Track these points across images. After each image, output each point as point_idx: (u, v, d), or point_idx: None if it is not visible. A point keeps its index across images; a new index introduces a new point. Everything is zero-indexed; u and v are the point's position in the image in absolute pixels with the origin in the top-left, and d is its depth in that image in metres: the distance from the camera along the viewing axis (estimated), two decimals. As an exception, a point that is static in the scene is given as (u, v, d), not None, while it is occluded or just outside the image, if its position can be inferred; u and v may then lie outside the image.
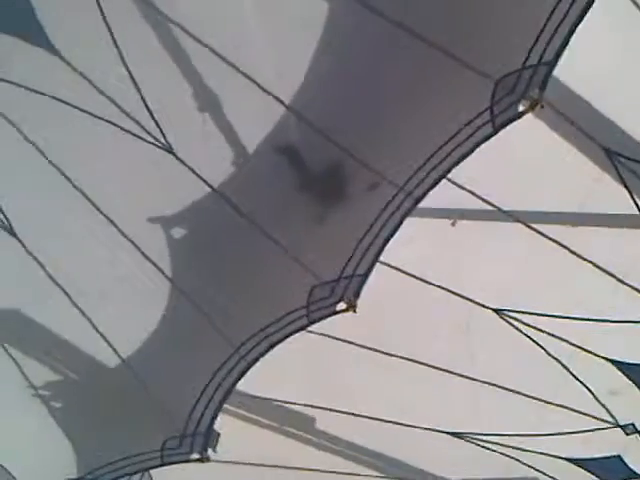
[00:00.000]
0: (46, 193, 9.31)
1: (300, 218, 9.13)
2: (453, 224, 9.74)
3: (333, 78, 8.39)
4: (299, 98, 8.40)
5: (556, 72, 8.03)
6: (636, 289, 9.64)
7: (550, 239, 9.49)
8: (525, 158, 9.18)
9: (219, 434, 10.55)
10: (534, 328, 10.11)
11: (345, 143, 8.52)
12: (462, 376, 10.57)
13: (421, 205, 9.07)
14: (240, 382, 10.13)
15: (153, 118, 8.50)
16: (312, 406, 11.42)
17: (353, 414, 11.27)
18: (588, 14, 7.68)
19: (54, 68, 8.60)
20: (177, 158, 8.81)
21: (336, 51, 8.22)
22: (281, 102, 8.34)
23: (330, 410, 11.32)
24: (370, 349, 10.48)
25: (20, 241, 9.74)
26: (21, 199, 9.52)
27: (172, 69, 8.39)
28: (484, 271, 9.85)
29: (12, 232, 9.79)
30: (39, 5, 8.46)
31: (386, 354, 10.50)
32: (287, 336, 9.70)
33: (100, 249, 9.52)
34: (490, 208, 9.45)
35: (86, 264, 9.74)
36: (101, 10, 7.98)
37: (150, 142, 8.74)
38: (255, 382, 10.55)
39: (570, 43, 7.80)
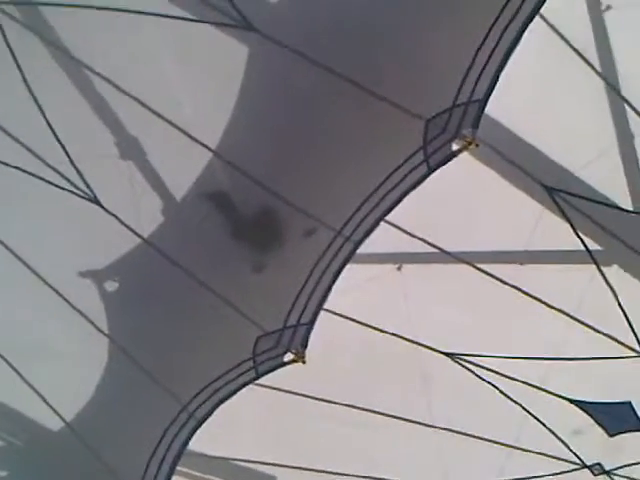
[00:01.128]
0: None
1: (237, 266, 9.01)
2: (399, 269, 9.63)
3: (260, 124, 8.33)
4: (225, 144, 8.34)
5: (489, 110, 8.04)
6: (587, 325, 9.51)
7: (498, 279, 9.39)
8: (467, 199, 9.13)
9: (177, 498, 10.25)
10: (490, 370, 9.94)
11: (277, 188, 8.44)
12: (420, 423, 10.35)
13: (365, 251, 9.06)
14: (193, 442, 9.91)
15: (76, 168, 8.39)
16: (274, 464, 11.13)
17: (315, 470, 11.00)
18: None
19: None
20: (103, 208, 8.69)
21: (262, 97, 8.16)
22: (205, 147, 8.26)
23: (293, 467, 11.03)
24: (325, 401, 10.26)
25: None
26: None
27: (91, 118, 8.32)
28: (434, 315, 9.73)
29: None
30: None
31: (341, 405, 10.28)
32: (236, 390, 9.50)
33: (30, 308, 9.32)
34: (435, 250, 9.38)
35: (16, 325, 9.51)
36: (17, 62, 7.90)
37: (75, 193, 8.61)
38: (208, 441, 10.40)
39: (501, 79, 7.82)
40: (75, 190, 8.62)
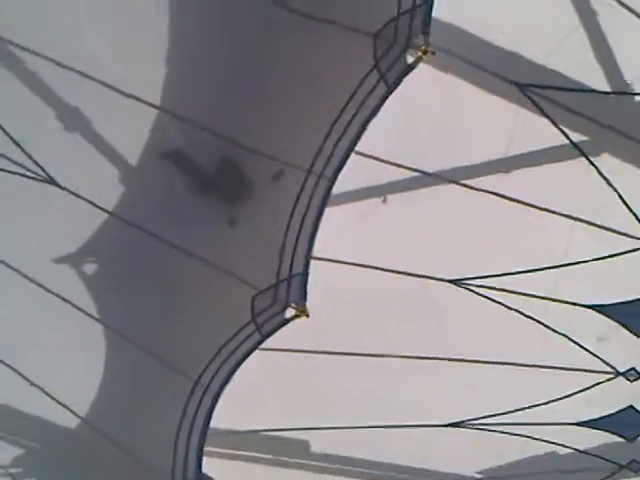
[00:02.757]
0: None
1: (211, 225, 8.80)
2: (384, 201, 9.32)
3: (201, 69, 8.09)
4: (169, 97, 8.12)
5: (439, 14, 7.70)
6: (589, 222, 9.10)
7: (488, 192, 9.04)
8: (437, 115, 8.79)
9: (212, 479, 10.07)
10: (500, 290, 9.59)
11: (234, 136, 8.21)
12: (439, 359, 10.03)
13: (344, 189, 8.78)
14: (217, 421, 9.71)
15: (22, 149, 8.21)
16: (300, 429, 10.90)
17: (344, 428, 10.74)
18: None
19: None
20: (60, 187, 8.51)
21: (197, 38, 7.90)
22: (149, 104, 8.04)
23: (320, 429, 10.79)
24: (337, 354, 9.99)
25: None
26: None
27: (24, 94, 8.14)
28: (430, 243, 9.39)
29: None
30: None
31: (356, 355, 10.02)
32: (245, 356, 9.25)
33: (11, 304, 9.20)
34: (417, 175, 9.05)
35: (6, 323, 9.40)
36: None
37: (29, 176, 8.45)
38: (232, 417, 10.21)
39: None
40: (28, 173, 8.47)
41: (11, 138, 8.18)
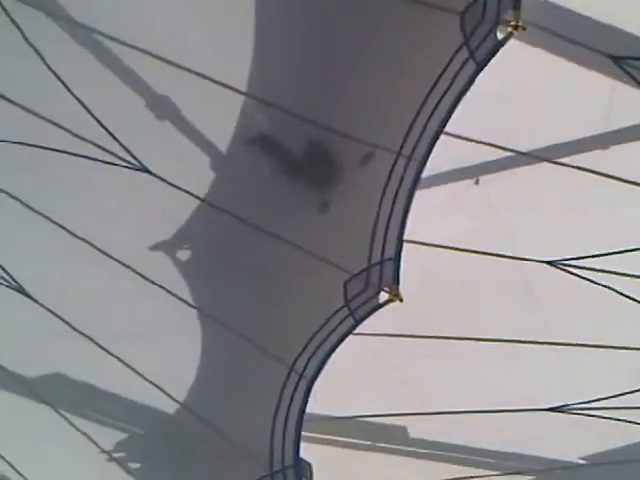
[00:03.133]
0: (48, 247, 9.33)
1: (302, 211, 8.83)
2: (476, 182, 9.17)
3: (286, 54, 8.10)
4: (256, 83, 8.15)
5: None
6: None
7: (585, 170, 8.77)
8: (529, 91, 8.57)
9: (310, 464, 10.13)
10: (600, 271, 9.31)
11: (321, 119, 8.21)
12: (537, 343, 9.83)
13: (436, 171, 8.68)
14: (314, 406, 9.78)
15: (116, 140, 8.41)
16: (397, 414, 10.85)
17: (441, 413, 10.65)
18: None
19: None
20: (154, 175, 8.68)
21: (282, 23, 7.91)
22: (237, 91, 8.09)
23: (416, 414, 10.72)
24: (431, 337, 9.90)
25: (33, 299, 9.80)
26: (23, 257, 9.59)
27: (114, 85, 8.31)
28: (524, 224, 9.18)
29: (23, 291, 9.86)
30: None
31: (450, 339, 9.91)
32: (339, 341, 9.27)
33: (110, 292, 9.43)
34: (510, 154, 8.86)
35: (106, 311, 9.65)
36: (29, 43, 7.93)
37: (123, 165, 8.64)
38: (328, 403, 10.25)
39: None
40: (122, 162, 8.67)
41: (105, 129, 8.41)
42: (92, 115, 8.27)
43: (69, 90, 8.14)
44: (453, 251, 9.32)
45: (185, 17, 7.94)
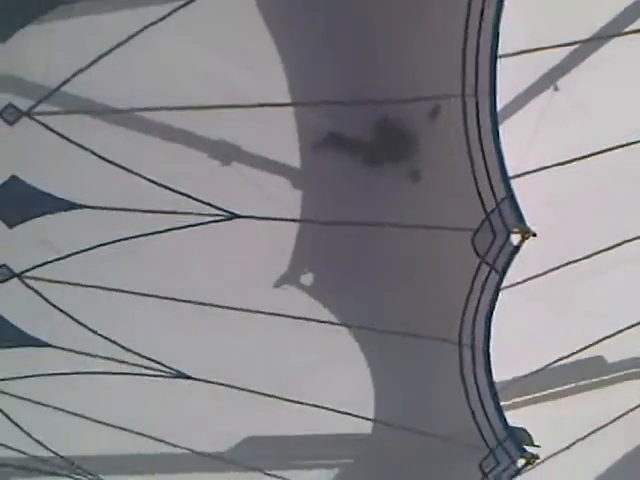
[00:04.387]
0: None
1: (395, 190, 8.76)
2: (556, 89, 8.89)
3: (322, 54, 8.22)
4: (302, 90, 8.26)
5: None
6: None
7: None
8: None
9: (524, 428, 9.97)
10: None
11: (375, 96, 8.17)
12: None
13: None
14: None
15: (199, 200, 8.79)
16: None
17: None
18: None
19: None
20: (245, 217, 8.97)
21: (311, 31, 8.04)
22: (286, 104, 8.22)
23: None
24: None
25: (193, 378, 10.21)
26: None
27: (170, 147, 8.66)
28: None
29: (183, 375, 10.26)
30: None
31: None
32: (493, 300, 9.10)
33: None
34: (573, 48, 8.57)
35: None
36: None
37: (212, 220, 8.94)
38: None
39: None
40: (211, 217, 9.00)
41: (181, 193, 8.84)
42: (166, 187, 8.73)
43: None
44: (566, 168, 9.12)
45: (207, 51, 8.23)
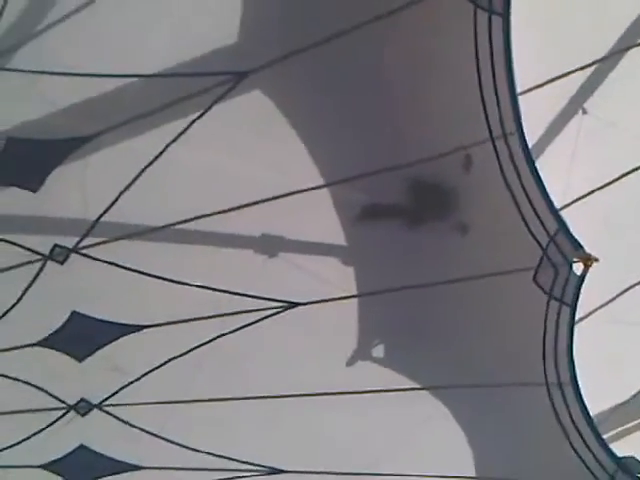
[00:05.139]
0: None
1: (446, 246, 8.82)
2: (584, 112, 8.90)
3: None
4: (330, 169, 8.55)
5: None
6: None
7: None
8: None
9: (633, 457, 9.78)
10: None
11: (403, 160, 8.30)
12: None
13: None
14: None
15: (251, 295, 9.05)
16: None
17: None
18: None
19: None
20: (304, 304, 9.22)
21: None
22: (314, 187, 8.54)
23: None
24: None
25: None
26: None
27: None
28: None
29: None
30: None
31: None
32: (570, 334, 9.04)
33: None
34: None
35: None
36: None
37: (276, 307, 9.21)
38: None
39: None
40: (272, 304, 9.26)
41: (237, 294, 9.06)
42: (222, 290, 8.99)
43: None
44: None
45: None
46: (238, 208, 8.45)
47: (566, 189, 9.03)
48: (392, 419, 9.95)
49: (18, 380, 9.38)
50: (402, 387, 9.79)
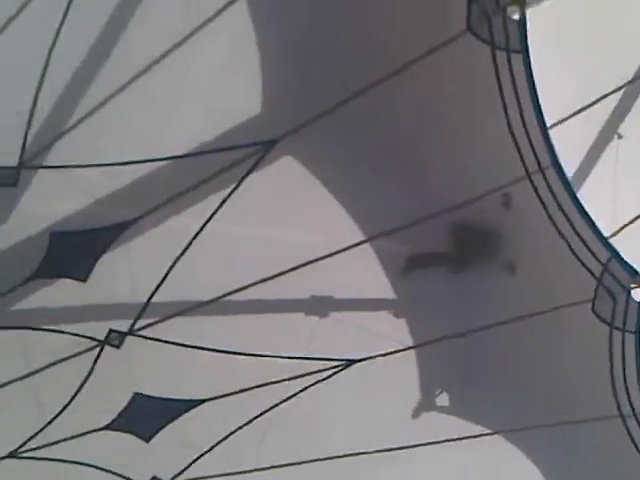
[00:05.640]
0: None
1: (496, 287, 8.84)
2: (619, 137, 8.88)
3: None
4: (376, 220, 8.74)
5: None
6: None
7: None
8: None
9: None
10: None
11: (440, 205, 8.42)
12: None
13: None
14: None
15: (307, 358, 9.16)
16: None
17: None
18: None
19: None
20: (360, 360, 9.28)
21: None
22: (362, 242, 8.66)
23: None
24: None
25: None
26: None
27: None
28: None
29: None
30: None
31: None
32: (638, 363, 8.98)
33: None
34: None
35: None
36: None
37: (333, 367, 9.29)
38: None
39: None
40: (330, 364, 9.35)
41: (293, 357, 9.20)
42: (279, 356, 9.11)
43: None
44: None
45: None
46: (283, 273, 8.61)
47: (614, 216, 8.99)
48: (465, 467, 9.94)
49: (89, 465, 9.62)
50: (472, 434, 9.83)
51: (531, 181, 8.29)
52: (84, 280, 8.47)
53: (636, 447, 9.52)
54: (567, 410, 9.51)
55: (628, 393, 9.29)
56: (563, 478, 10.22)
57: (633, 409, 9.34)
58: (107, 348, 8.88)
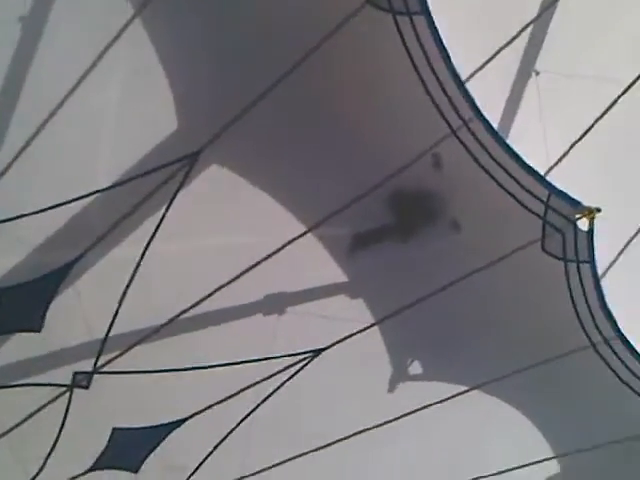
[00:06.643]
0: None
1: (449, 246, 9.23)
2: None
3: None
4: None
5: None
6: None
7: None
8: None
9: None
10: None
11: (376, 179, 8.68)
12: None
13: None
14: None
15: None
16: None
17: None
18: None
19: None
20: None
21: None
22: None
23: None
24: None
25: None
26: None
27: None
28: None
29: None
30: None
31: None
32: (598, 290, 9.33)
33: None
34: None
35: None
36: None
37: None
38: None
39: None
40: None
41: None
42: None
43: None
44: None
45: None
46: (233, 280, 8.84)
47: (547, 153, 9.27)
48: (453, 431, 10.35)
49: (80, 507, 9.87)
50: (452, 394, 10.21)
51: (457, 137, 8.58)
52: (39, 330, 8.63)
53: (612, 370, 9.92)
54: (539, 351, 9.91)
55: (595, 321, 9.65)
56: (549, 416, 10.65)
57: (602, 335, 9.74)
58: (77, 391, 9.05)
